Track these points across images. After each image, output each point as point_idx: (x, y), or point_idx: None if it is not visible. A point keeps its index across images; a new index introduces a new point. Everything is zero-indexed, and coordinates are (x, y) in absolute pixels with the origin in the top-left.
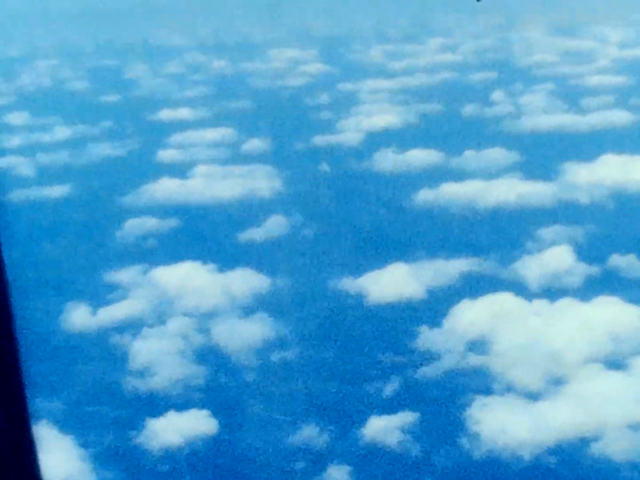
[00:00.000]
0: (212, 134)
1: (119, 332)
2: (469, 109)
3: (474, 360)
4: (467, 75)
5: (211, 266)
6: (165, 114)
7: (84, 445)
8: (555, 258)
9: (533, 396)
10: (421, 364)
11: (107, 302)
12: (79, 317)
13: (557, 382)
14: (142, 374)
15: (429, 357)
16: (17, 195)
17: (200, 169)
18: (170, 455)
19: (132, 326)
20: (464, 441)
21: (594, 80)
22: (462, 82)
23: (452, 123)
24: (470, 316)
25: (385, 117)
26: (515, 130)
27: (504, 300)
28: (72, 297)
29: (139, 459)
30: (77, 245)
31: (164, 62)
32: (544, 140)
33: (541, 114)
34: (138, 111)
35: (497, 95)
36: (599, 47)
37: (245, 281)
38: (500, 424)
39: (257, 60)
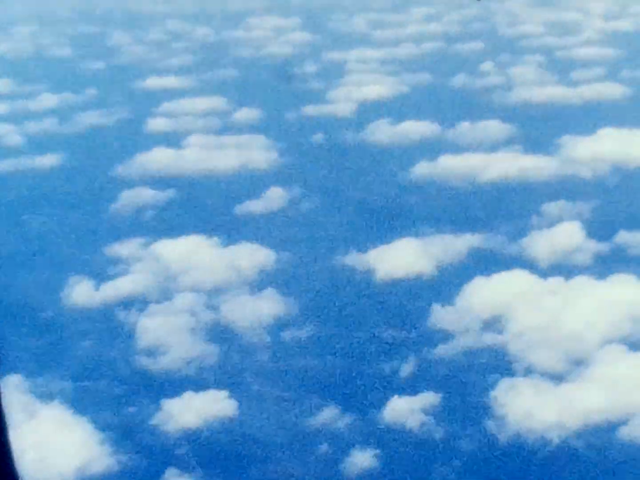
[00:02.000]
0: (201, 103)
1: (124, 309)
2: (458, 80)
3: (490, 339)
4: (454, 46)
5: (214, 240)
6: (152, 82)
7: (100, 427)
8: (564, 234)
9: (556, 378)
10: (436, 343)
11: (109, 277)
12: (82, 292)
13: (578, 363)
14: (152, 352)
15: (444, 336)
16: (6, 165)
17: (193, 138)
18: (188, 437)
19: (138, 302)
20: (489, 424)
21: (582, 52)
22: (449, 52)
23: (443, 94)
24: (484, 294)
25: (375, 88)
26: (508, 102)
27: (518, 278)
28: (72, 272)
29: (156, 441)
30: (71, 217)
31: (144, 30)
32: (538, 113)
33: (532, 86)
34: (123, 79)
35: (486, 66)
36: (583, 18)
37: (251, 256)
38: (525, 407)
39: (239, 28)
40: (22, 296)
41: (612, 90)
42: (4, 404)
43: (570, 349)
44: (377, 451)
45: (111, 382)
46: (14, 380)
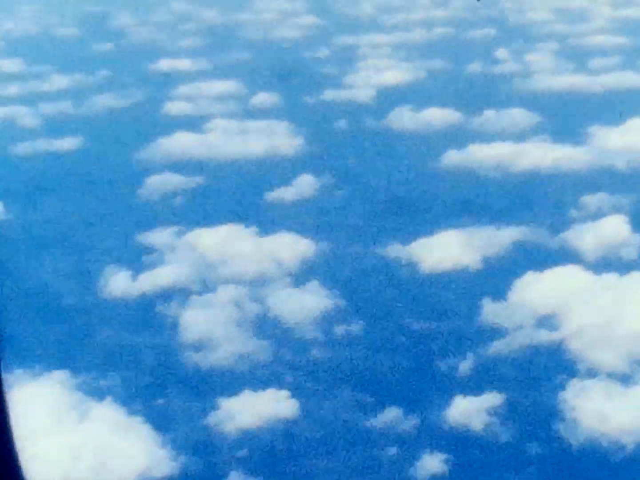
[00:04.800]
0: (218, 87)
1: (165, 301)
2: (475, 67)
3: (547, 337)
4: (465, 32)
5: (251, 229)
6: (165, 65)
7: (157, 427)
8: (610, 229)
9: (624, 379)
10: (491, 340)
11: (146, 268)
12: (119, 283)
13: None
14: (200, 347)
15: (497, 332)
16: (24, 148)
17: (215, 123)
18: (249, 438)
19: (178, 294)
20: (559, 427)
21: (596, 40)
22: (462, 38)
23: (461, 81)
24: (537, 290)
25: (392, 74)
26: (529, 90)
27: (571, 274)
28: (107, 261)
29: (216, 443)
30: (97, 203)
31: (149, 11)
32: (561, 102)
33: (551, 74)
34: (134, 61)
35: (500, 53)
36: (591, 6)
37: (290, 246)
38: (596, 409)
39: (247, 11)
40: (57, 287)
41: (632, 80)
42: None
43: (633, 348)
44: (446, 455)
45: (161, 379)
46: (60, 377)
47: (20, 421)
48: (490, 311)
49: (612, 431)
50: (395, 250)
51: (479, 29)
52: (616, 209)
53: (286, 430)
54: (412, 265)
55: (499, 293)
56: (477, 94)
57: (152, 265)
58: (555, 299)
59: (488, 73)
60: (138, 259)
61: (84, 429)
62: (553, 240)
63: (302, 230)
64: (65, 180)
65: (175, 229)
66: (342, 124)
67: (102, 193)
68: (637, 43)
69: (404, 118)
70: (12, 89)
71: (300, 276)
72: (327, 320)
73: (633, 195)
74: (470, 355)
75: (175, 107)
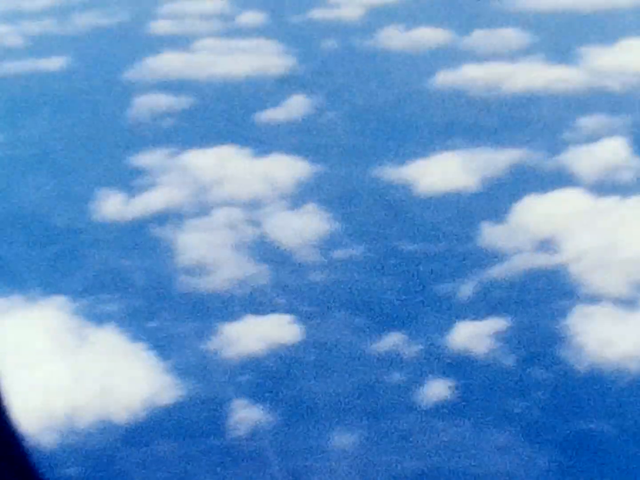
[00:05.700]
0: (203, 5)
1: (159, 224)
2: None
3: (548, 261)
4: None
5: (245, 151)
6: None
7: (159, 353)
8: (609, 151)
9: (625, 304)
10: (491, 264)
11: (139, 190)
12: (112, 206)
13: None
14: (197, 271)
15: (498, 256)
16: (10, 67)
17: (202, 42)
18: (252, 364)
19: (173, 217)
20: (563, 352)
21: None
22: None
23: (451, 0)
24: (537, 213)
25: None
26: (519, 9)
27: (571, 197)
28: (99, 183)
29: (219, 369)
30: (86, 123)
31: None
32: (552, 21)
33: None
34: None
35: None
36: None
37: (285, 168)
38: (599, 335)
39: None
40: (47, 211)
41: None
42: None
43: (634, 272)
44: (452, 380)
45: (160, 304)
46: (58, 302)
47: (20, 347)
48: (489, 234)
49: (615, 356)
50: (391, 172)
51: None
52: (613, 131)
53: (288, 355)
54: (408, 187)
55: (498, 216)
56: (466, 14)
57: (145, 188)
58: (555, 222)
59: None
60: (130, 182)
61: (85, 354)
62: (550, 163)
63: (296, 151)
64: (52, 100)
65: (167, 150)
66: (331, 43)
67: (90, 113)
68: None
69: (394, 37)
70: None
71: (296, 198)
72: (324, 244)
73: (630, 117)
74: (470, 279)
75: (160, 26)
